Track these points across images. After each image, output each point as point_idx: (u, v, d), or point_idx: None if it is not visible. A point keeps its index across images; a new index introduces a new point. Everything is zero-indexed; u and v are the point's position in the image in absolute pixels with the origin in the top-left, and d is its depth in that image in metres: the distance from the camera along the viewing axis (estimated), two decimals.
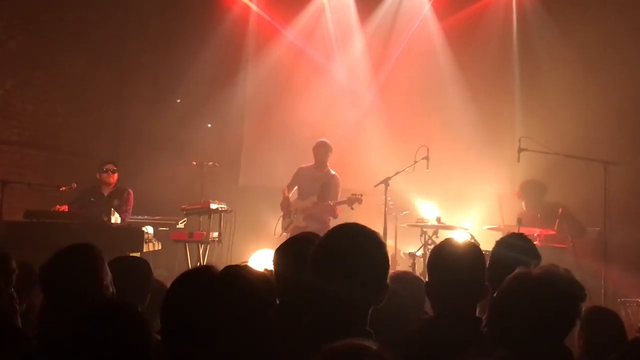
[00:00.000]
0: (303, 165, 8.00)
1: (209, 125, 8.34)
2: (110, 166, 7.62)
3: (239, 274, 1.67)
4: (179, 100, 10.02)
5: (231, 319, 1.59)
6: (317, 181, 7.75)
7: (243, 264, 1.75)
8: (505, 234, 7.26)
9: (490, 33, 9.39)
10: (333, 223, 7.09)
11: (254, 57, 10.15)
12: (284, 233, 7.76)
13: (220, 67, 9.86)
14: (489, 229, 7.35)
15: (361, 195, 7.41)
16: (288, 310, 2.49)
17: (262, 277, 1.70)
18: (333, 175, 7.80)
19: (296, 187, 7.98)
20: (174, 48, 10.06)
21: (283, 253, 2.63)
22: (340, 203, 7.53)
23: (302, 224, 7.49)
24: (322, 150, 7.80)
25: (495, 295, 2.37)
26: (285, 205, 7.86)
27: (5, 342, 2.39)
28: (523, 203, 7.54)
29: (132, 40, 10.16)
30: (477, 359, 1.46)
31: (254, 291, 1.65)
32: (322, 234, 2.19)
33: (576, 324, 2.31)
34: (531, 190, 7.50)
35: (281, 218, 7.89)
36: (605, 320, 3.33)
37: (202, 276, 1.68)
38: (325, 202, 7.62)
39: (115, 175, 7.66)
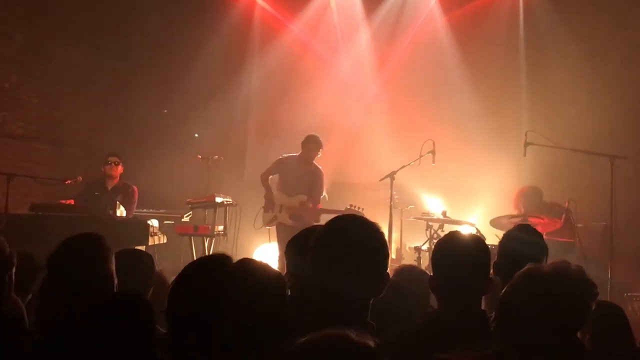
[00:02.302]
0: (285, 155, 7.74)
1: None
2: (113, 158, 7.57)
3: (255, 267, 1.65)
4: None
5: (241, 312, 1.56)
6: (304, 177, 7.53)
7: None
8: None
9: (497, 27, 9.35)
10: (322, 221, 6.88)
11: (259, 51, 10.15)
12: (266, 227, 7.64)
13: (225, 60, 9.85)
14: (496, 218, 7.34)
15: (362, 208, 7.11)
16: (296, 303, 2.49)
17: (277, 274, 1.68)
18: (319, 171, 7.60)
19: (275, 175, 7.78)
20: (179, 42, 10.05)
21: (292, 246, 2.63)
22: (336, 212, 7.33)
23: (289, 222, 7.33)
24: (314, 147, 7.53)
25: (504, 291, 2.34)
26: (269, 198, 7.64)
27: (7, 334, 2.38)
28: (521, 205, 7.47)
29: (138, 33, 10.14)
30: (470, 351, 1.44)
31: (268, 287, 1.63)
32: None
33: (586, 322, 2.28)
34: (529, 196, 7.44)
35: (262, 210, 7.67)
36: (610, 315, 3.30)
37: (217, 265, 1.66)
38: (312, 202, 7.44)
39: (119, 167, 7.60)
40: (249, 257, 1.78)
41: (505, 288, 2.34)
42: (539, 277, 2.22)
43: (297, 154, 7.64)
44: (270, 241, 7.82)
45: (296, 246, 2.61)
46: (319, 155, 7.56)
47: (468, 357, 1.37)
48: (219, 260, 1.69)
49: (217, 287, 1.60)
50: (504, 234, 3.52)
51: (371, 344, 1.37)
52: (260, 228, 7.69)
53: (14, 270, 2.73)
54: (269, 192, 7.69)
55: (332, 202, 7.68)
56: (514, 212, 7.37)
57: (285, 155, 7.77)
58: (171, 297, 1.65)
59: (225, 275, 1.62)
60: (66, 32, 9.12)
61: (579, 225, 7.16)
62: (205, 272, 1.66)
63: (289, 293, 2.67)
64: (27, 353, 2.11)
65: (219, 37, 9.79)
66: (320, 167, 7.64)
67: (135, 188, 7.62)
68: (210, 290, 1.60)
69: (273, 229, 7.62)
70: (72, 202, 7.14)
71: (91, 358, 1.79)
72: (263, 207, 7.68)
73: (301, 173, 7.55)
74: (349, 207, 7.19)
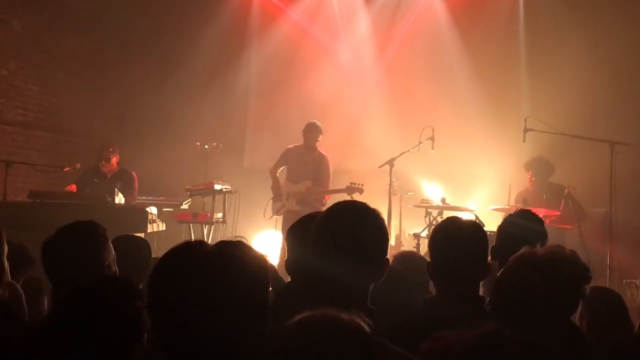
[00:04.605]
0: (290, 146, 7.87)
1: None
2: (106, 153, 7.45)
3: (232, 251, 1.59)
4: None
5: (222, 299, 1.51)
6: (308, 164, 7.63)
7: (237, 239, 1.68)
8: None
9: (497, 12, 9.28)
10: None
11: (259, 37, 10.08)
12: (275, 216, 7.73)
13: (224, 47, 9.80)
14: (494, 209, 7.32)
15: (362, 184, 7.31)
16: (297, 289, 2.49)
17: (257, 256, 1.63)
18: (324, 157, 7.70)
19: (283, 168, 7.88)
20: (178, 28, 10.00)
21: (293, 233, 2.63)
22: (339, 191, 7.41)
23: (296, 208, 7.35)
24: (312, 134, 7.62)
25: (499, 275, 2.35)
26: (276, 188, 7.73)
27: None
28: (529, 174, 7.50)
29: (136, 20, 10.07)
30: (467, 330, 1.44)
31: (248, 270, 1.58)
32: None
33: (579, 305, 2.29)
34: (540, 166, 7.47)
35: (271, 200, 7.79)
36: (608, 301, 3.30)
37: (193, 252, 1.61)
38: (319, 187, 7.55)
39: (114, 158, 7.53)
40: (238, 238, 1.72)
41: (500, 272, 2.35)
42: (532, 260, 2.24)
43: (302, 144, 7.74)
44: (276, 229, 7.92)
45: (296, 232, 2.61)
46: (319, 138, 7.63)
47: (464, 335, 1.38)
48: (193, 246, 1.64)
49: (193, 274, 1.54)
50: (504, 219, 3.51)
51: (363, 324, 1.36)
52: (270, 218, 7.80)
53: (5, 256, 2.72)
54: (275, 182, 7.77)
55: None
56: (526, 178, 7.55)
57: (290, 146, 7.87)
58: (148, 292, 1.61)
59: (202, 260, 1.57)
60: (64, 20, 9.07)
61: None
62: (179, 261, 1.61)
63: (290, 278, 2.68)
64: (22, 339, 2.09)
65: (218, 24, 9.73)
66: (325, 154, 7.73)
67: (134, 173, 7.61)
68: (186, 278, 1.54)
69: (280, 218, 7.70)
70: (74, 187, 7.13)
71: (79, 343, 1.78)
72: (272, 197, 7.77)
73: (306, 161, 7.66)
74: (349, 184, 7.35)
